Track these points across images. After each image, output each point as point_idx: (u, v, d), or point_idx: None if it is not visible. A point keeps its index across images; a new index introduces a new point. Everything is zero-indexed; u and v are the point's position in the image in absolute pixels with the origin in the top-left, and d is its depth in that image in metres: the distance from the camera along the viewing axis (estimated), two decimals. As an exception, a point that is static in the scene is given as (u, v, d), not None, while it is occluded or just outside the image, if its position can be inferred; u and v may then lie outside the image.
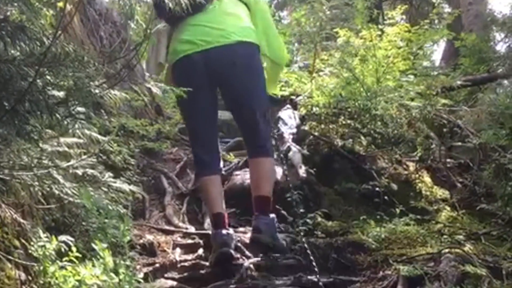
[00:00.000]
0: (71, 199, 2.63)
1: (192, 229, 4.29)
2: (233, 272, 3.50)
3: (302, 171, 4.73)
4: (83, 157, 2.70)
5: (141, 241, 3.84)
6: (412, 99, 5.60)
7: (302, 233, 3.84)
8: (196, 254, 3.85)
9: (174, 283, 3.42)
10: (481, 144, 5.06)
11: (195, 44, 3.77)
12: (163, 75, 4.23)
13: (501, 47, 9.13)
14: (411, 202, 4.68)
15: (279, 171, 4.36)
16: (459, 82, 6.07)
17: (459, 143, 5.68)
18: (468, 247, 3.64)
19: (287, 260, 3.72)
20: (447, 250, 3.47)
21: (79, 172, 2.66)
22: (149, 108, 6.29)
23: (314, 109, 5.70)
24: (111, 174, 2.88)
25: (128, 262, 2.51)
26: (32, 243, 2.41)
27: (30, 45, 2.05)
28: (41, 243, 2.38)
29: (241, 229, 4.25)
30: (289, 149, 4.95)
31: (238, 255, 3.73)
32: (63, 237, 2.44)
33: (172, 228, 4.30)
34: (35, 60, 2.03)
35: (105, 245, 2.38)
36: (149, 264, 3.62)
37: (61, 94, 2.19)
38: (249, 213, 4.03)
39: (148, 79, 4.68)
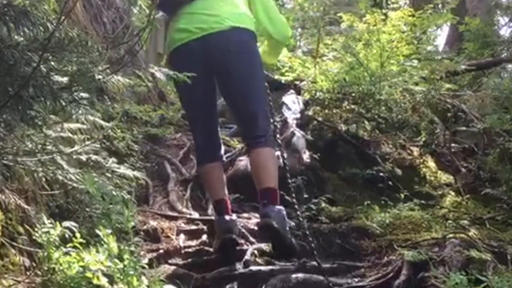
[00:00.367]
0: (75, 185, 2.63)
1: (195, 215, 4.29)
2: (237, 258, 3.50)
3: (306, 156, 4.72)
4: (87, 143, 2.69)
5: (145, 227, 3.85)
6: (416, 84, 5.58)
7: (304, 219, 3.83)
8: (200, 240, 3.86)
9: (179, 269, 3.41)
10: (486, 129, 5.03)
11: (191, 32, 3.74)
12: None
13: (505, 32, 9.12)
14: (416, 187, 4.68)
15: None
16: (463, 67, 6.03)
17: (464, 128, 5.68)
18: (472, 232, 3.64)
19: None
20: (451, 235, 3.47)
21: (83, 158, 2.66)
22: (152, 94, 6.27)
23: (317, 94, 5.67)
24: (114, 160, 2.87)
25: (132, 248, 2.51)
26: (36, 229, 2.41)
27: (34, 30, 2.03)
28: (45, 229, 2.38)
29: (245, 215, 4.25)
30: (293, 134, 4.95)
31: (242, 241, 3.73)
32: (67, 223, 2.43)
33: (175, 214, 4.30)
34: (38, 46, 2.01)
35: (109, 231, 2.37)
36: (153, 250, 3.63)
37: (64, 79, 2.18)
38: (253, 199, 4.02)
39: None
